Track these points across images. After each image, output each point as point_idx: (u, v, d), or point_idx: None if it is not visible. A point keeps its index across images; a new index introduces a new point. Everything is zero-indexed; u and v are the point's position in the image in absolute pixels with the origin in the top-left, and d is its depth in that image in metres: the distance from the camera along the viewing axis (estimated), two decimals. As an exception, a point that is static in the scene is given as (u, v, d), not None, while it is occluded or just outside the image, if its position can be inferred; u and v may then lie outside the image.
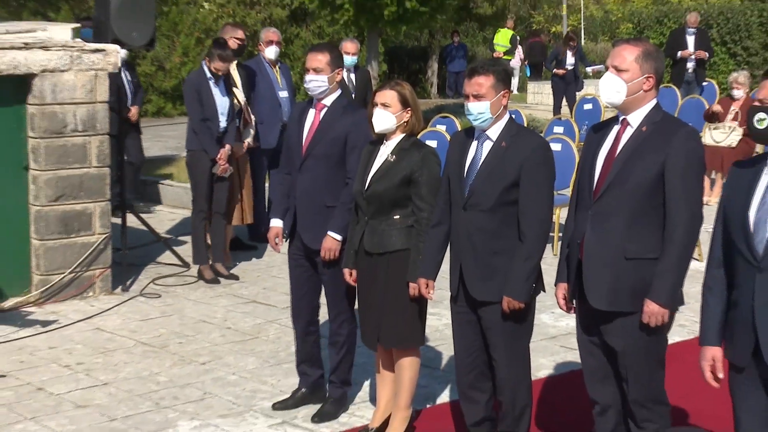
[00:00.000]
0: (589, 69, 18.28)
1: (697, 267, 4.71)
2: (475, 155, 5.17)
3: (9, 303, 8.44)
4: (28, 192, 8.60)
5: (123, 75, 10.13)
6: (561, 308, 4.98)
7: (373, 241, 5.57)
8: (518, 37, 21.12)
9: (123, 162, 10.60)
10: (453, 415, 6.07)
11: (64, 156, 8.55)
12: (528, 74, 22.98)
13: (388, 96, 5.52)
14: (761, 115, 3.78)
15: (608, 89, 4.61)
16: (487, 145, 5.15)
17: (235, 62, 9.74)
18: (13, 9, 23.02)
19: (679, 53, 17.03)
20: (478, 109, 5.08)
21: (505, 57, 20.81)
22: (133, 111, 12.03)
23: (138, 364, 7.35)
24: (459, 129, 5.50)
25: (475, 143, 5.18)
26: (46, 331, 8.05)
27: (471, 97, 5.09)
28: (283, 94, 9.59)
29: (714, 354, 4.09)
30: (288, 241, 6.24)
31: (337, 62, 6.11)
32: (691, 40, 16.60)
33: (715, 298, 4.11)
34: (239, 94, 9.34)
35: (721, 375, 4.09)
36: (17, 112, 8.40)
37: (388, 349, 5.78)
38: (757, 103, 3.80)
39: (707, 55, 17.33)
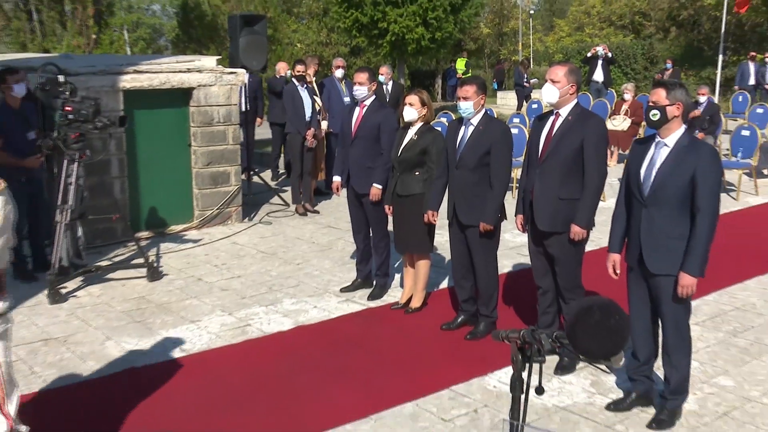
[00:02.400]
0: (529, 83, 19.05)
1: (602, 206, 4.98)
2: (463, 135, 5.51)
3: (178, 228, 8.96)
4: (191, 160, 9.05)
5: (244, 89, 10.39)
6: (518, 229, 5.35)
7: (402, 188, 5.97)
8: (470, 63, 22.06)
9: (247, 142, 10.94)
10: (450, 296, 6.44)
11: (211, 138, 9.11)
12: (495, 87, 23.51)
13: (413, 99, 5.96)
14: (654, 111, 4.07)
15: (548, 93, 4.88)
16: (471, 129, 5.47)
17: (314, 80, 10.19)
18: (180, 49, 23.63)
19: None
20: (466, 107, 5.42)
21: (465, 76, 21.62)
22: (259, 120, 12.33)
23: (258, 264, 7.77)
24: (454, 119, 5.72)
25: (463, 128, 5.52)
26: (202, 245, 8.49)
27: (461, 98, 5.45)
28: (346, 99, 9.98)
29: (615, 258, 4.47)
30: (345, 189, 6.59)
31: (372, 78, 6.60)
32: (599, 63, 16.81)
33: (619, 223, 4.42)
34: (317, 99, 9.66)
35: (618, 271, 4.46)
36: (184, 111, 8.89)
37: (410, 254, 6.20)
38: (651, 104, 4.11)
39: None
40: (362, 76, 6.42)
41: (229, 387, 4.88)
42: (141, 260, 7.29)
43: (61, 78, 6.89)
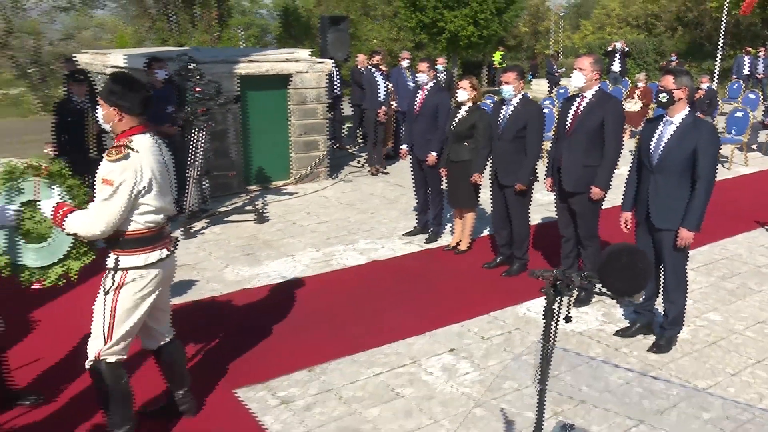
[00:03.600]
0: (558, 72, 18.52)
1: (616, 173, 4.81)
2: (504, 113, 5.38)
3: (279, 183, 8.98)
4: (289, 131, 8.99)
5: (333, 75, 10.35)
6: (547, 190, 5.17)
7: (454, 155, 5.92)
8: (505, 55, 21.22)
9: (334, 118, 10.86)
10: (490, 241, 6.41)
11: (305, 114, 9.05)
12: (530, 77, 22.78)
13: (465, 83, 5.85)
14: (663, 94, 3.93)
15: (576, 79, 4.70)
16: (511, 108, 5.35)
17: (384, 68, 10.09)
18: (282, 43, 23.64)
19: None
20: (507, 89, 5.30)
21: (499, 66, 20.86)
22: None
23: (340, 213, 7.74)
24: (497, 100, 5.60)
25: (505, 107, 5.39)
26: (297, 197, 8.50)
27: (504, 83, 5.32)
28: (410, 84, 9.78)
29: (626, 215, 4.36)
30: (410, 155, 6.53)
31: (432, 67, 6.46)
32: (617, 56, 16.17)
33: (631, 187, 4.30)
34: (389, 83, 9.52)
35: (629, 226, 4.36)
36: (284, 93, 8.85)
37: (460, 208, 6.14)
38: (660, 88, 3.95)
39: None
40: (423, 66, 6.34)
41: (317, 306, 4.96)
42: (251, 207, 7.42)
43: (192, 66, 6.98)
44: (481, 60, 30.17)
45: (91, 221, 2.88)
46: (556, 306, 1.88)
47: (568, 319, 1.91)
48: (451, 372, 3.98)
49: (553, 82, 19.50)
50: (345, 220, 7.29)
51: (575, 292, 2.00)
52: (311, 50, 9.31)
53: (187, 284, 5.40)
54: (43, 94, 26.17)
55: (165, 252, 3.10)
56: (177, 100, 7.03)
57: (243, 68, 8.20)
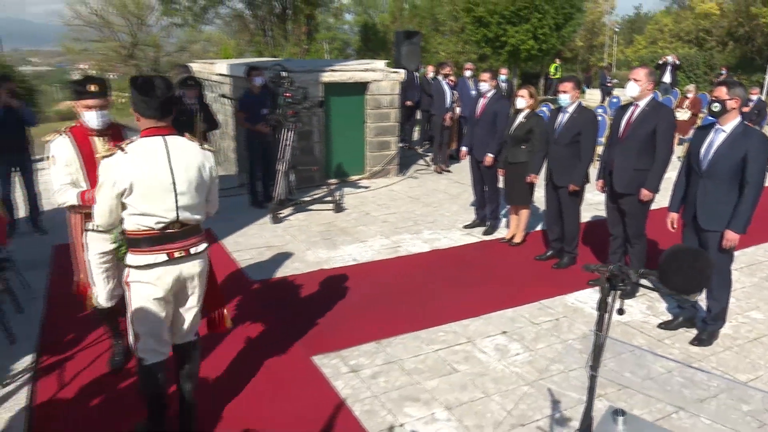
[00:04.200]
0: (611, 83, 17.67)
1: (665, 177, 4.57)
2: (561, 119, 5.22)
3: (355, 177, 8.98)
4: (365, 132, 8.92)
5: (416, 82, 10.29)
6: (598, 190, 4.92)
7: (512, 157, 5.76)
8: (558, 67, 20.07)
9: (404, 122, 10.60)
10: (543, 236, 6.20)
11: (379, 117, 8.95)
12: (584, 89, 21.91)
13: (524, 92, 5.68)
14: (715, 104, 3.72)
15: (630, 89, 4.47)
16: (567, 115, 5.17)
17: (452, 78, 9.83)
18: (360, 55, 23.70)
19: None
20: (564, 98, 5.14)
21: (554, 77, 19.99)
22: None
23: (407, 205, 7.64)
24: (553, 108, 5.38)
25: (561, 114, 5.21)
26: (370, 190, 8.46)
27: (561, 92, 5.16)
28: (473, 92, 9.54)
29: (674, 216, 4.18)
30: (469, 156, 6.40)
31: (493, 77, 6.30)
32: (668, 68, 15.34)
33: (679, 190, 4.10)
34: (454, 91, 9.36)
35: (676, 226, 4.18)
36: (362, 99, 8.77)
37: (515, 204, 5.97)
38: (713, 98, 3.75)
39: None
40: (486, 76, 6.21)
41: (385, 286, 4.95)
42: (330, 198, 7.45)
43: (284, 74, 7.09)
44: (539, 71, 29.39)
45: (94, 212, 2.69)
46: (609, 299, 1.79)
47: (621, 311, 1.81)
48: (503, 352, 3.90)
49: (606, 92, 18.76)
50: (411, 212, 7.22)
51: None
52: (387, 61, 9.30)
53: (275, 263, 5.50)
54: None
55: (162, 257, 2.67)
56: (271, 104, 7.17)
57: (327, 76, 8.24)
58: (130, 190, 2.57)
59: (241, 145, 8.57)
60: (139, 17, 28.81)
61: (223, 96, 8.93)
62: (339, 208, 7.23)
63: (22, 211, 6.51)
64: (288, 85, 6.91)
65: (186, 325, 2.93)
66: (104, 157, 2.60)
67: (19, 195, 6.43)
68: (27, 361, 3.74)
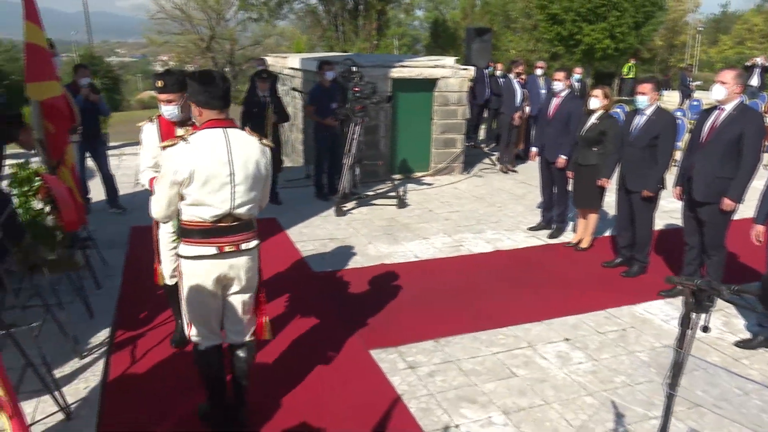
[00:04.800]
0: (691, 85, 16.70)
1: (753, 185, 4.30)
2: (638, 121, 4.98)
3: (419, 174, 8.96)
4: (431, 128, 8.90)
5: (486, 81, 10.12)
6: (675, 198, 4.73)
7: (582, 159, 5.57)
8: (633, 67, 18.94)
9: (472, 120, 10.52)
10: (612, 242, 6.02)
11: (447, 114, 8.92)
12: (663, 90, 20.81)
13: (598, 92, 5.48)
14: None
15: (716, 92, 4.23)
16: (644, 117, 4.94)
17: (523, 77, 9.53)
18: (429, 51, 23.77)
19: None
20: (642, 99, 4.91)
21: (627, 77, 19.02)
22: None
23: (471, 204, 7.56)
24: (629, 109, 5.15)
25: (638, 116, 4.99)
26: (434, 187, 8.43)
27: (639, 93, 4.91)
28: (542, 91, 9.29)
29: (759, 229, 3.93)
30: (539, 157, 6.25)
31: (568, 76, 6.09)
32: (756, 71, 14.37)
33: (767, 201, 3.89)
34: (525, 90, 9.11)
35: (762, 239, 3.92)
36: (429, 95, 8.74)
37: (584, 208, 5.79)
38: None
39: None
40: (560, 75, 6.01)
41: (445, 284, 4.90)
42: (394, 193, 7.47)
43: (354, 68, 7.15)
44: (613, 71, 28.29)
45: (151, 203, 2.74)
46: (693, 315, 1.67)
47: (706, 329, 1.70)
48: (564, 359, 3.78)
49: (686, 94, 17.81)
50: (475, 211, 7.14)
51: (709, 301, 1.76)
52: (456, 58, 9.20)
53: (337, 255, 5.56)
54: (233, 89, 28.38)
55: (212, 250, 2.65)
56: (340, 98, 7.24)
57: (396, 72, 8.25)
58: (190, 180, 2.57)
59: (308, 137, 8.72)
60: (218, 12, 29.85)
61: (294, 89, 9.10)
62: (402, 203, 7.22)
63: (101, 193, 6.88)
64: (358, 79, 6.96)
65: (238, 322, 2.90)
66: (166, 147, 2.61)
67: (97, 181, 6.86)
68: (104, 335, 3.96)
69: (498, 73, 10.50)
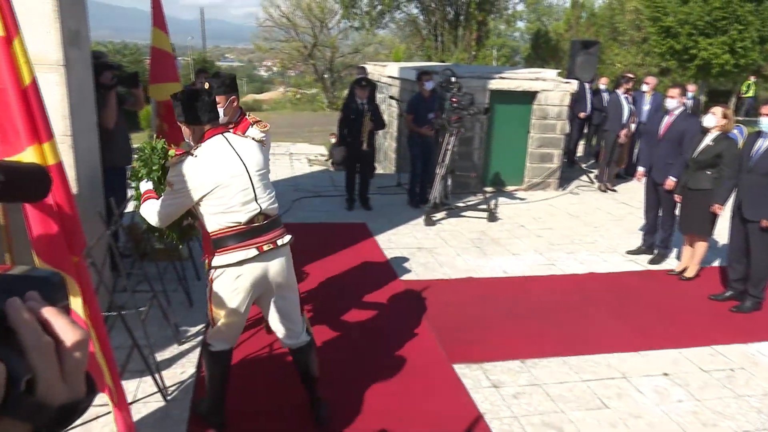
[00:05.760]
0: None
1: None
2: (760, 145, 4.63)
3: (512, 188, 8.79)
4: (527, 142, 8.70)
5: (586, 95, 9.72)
6: None
7: (693, 183, 5.23)
8: (752, 85, 17.26)
9: (571, 133, 10.00)
10: (721, 273, 5.58)
11: (545, 128, 8.66)
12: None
13: (717, 110, 5.12)
14: None
15: None
16: None
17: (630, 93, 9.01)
18: (529, 63, 23.04)
19: None
20: (766, 122, 4.53)
21: (746, 95, 17.34)
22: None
23: (565, 222, 7.29)
24: (749, 131, 4.76)
25: (761, 139, 4.63)
26: (527, 202, 8.22)
27: (763, 115, 4.54)
28: (647, 107, 8.77)
29: None
30: (646, 177, 5.93)
31: (683, 93, 5.71)
32: None
33: None
34: (632, 106, 8.66)
35: None
36: (528, 108, 8.56)
37: (692, 234, 5.45)
38: None
39: None
40: (675, 92, 5.65)
41: (535, 303, 4.76)
42: (485, 206, 7.34)
43: (453, 79, 7.13)
44: (730, 88, 26.29)
45: (150, 212, 2.78)
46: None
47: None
48: (662, 396, 3.53)
49: None
50: (569, 230, 6.88)
51: None
52: (558, 71, 8.94)
53: (423, 264, 5.55)
54: (331, 95, 29.21)
55: (253, 251, 2.67)
56: (438, 108, 7.25)
57: (495, 83, 8.16)
58: (212, 190, 2.60)
59: (402, 145, 8.79)
60: (321, 20, 30.92)
61: (392, 97, 9.22)
62: (492, 217, 7.12)
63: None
64: (456, 90, 6.93)
65: (293, 322, 2.95)
66: (173, 162, 2.64)
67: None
68: (201, 323, 4.18)
69: (602, 87, 10.08)
